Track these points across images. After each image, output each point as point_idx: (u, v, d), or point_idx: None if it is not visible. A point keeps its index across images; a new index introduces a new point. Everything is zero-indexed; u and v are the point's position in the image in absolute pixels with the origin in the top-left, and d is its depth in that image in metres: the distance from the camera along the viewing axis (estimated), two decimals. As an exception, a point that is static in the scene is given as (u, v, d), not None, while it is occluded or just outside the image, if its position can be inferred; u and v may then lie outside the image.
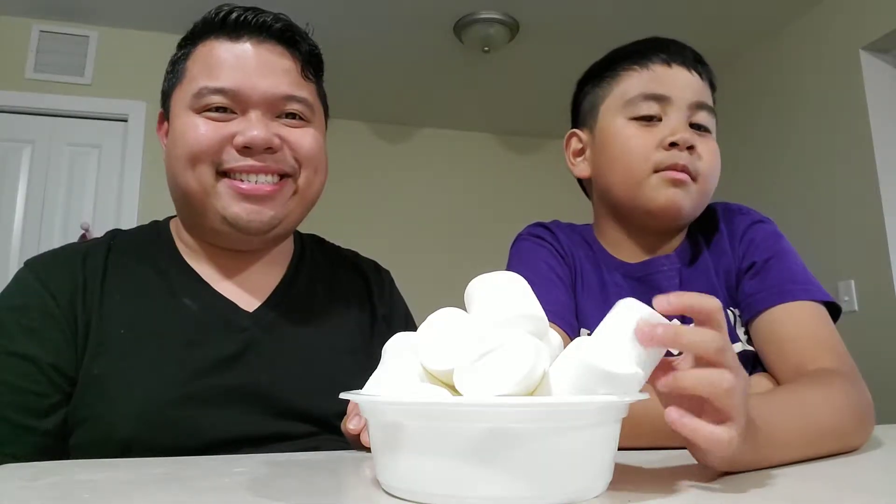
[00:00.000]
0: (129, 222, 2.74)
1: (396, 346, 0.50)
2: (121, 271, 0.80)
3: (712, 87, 0.85)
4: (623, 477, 0.46)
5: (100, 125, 2.94)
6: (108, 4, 2.83)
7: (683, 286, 0.82)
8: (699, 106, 0.81)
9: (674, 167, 0.77)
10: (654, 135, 0.79)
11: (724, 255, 0.83)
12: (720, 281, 0.82)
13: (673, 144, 0.78)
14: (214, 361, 0.75)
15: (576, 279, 0.85)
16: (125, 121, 2.93)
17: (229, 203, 0.78)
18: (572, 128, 0.91)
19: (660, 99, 0.80)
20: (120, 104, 2.91)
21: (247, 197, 0.78)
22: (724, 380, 0.43)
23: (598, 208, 0.90)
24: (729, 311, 0.80)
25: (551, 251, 0.85)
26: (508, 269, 0.87)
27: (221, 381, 0.75)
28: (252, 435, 0.73)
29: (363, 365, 0.82)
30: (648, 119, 0.80)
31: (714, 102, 0.85)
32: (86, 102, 2.90)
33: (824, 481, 0.48)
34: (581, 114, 0.90)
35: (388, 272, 1.02)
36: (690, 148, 0.78)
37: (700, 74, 0.83)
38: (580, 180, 0.92)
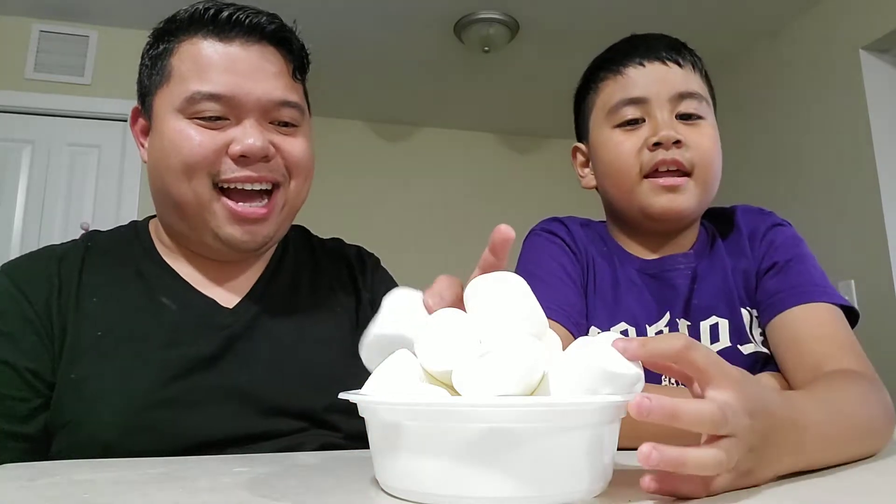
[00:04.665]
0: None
1: (395, 302, 0.51)
2: (98, 273, 0.78)
3: (702, 71, 0.84)
4: (623, 477, 0.46)
5: (99, 125, 2.94)
6: (108, 4, 2.83)
7: (697, 283, 0.82)
8: (682, 96, 0.80)
9: (662, 164, 0.77)
10: (639, 137, 0.79)
11: (742, 256, 0.83)
12: (737, 281, 0.82)
13: (657, 144, 0.77)
14: (194, 361, 0.73)
15: (588, 277, 0.84)
16: (125, 121, 2.92)
17: (224, 224, 0.76)
18: (577, 140, 0.92)
19: (638, 102, 0.80)
20: (120, 104, 2.90)
21: (242, 219, 0.76)
22: (731, 460, 0.41)
23: (607, 214, 0.91)
24: (745, 311, 0.81)
25: (563, 248, 0.85)
26: (519, 263, 0.87)
27: (202, 381, 0.73)
28: (236, 435, 0.72)
29: (350, 353, 0.81)
30: (634, 122, 0.80)
31: (711, 86, 0.84)
32: (85, 102, 2.90)
33: (828, 482, 0.48)
34: (579, 127, 0.91)
35: (372, 255, 0.99)
36: (678, 143, 0.77)
37: (680, 64, 0.81)
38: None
